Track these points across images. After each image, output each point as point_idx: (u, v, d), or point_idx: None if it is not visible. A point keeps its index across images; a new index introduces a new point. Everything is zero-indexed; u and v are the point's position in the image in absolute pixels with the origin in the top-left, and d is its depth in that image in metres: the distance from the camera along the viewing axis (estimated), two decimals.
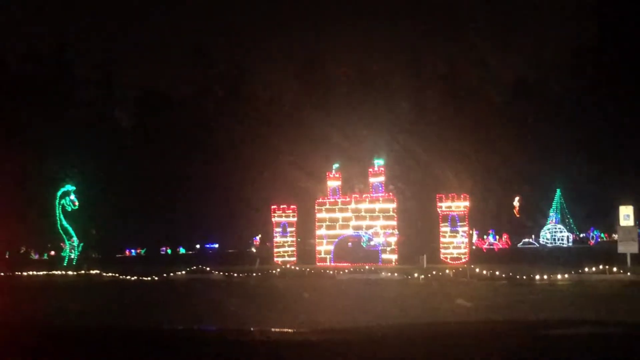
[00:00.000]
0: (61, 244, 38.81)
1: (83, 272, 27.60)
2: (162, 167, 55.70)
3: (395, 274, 23.83)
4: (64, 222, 38.17)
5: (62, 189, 38.19)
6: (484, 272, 22.58)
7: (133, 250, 72.62)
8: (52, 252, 46.38)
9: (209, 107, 60.91)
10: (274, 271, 25.69)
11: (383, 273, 24.34)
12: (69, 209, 37.86)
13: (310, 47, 57.62)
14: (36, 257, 59.47)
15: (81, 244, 60.60)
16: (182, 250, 70.69)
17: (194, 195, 54.27)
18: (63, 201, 38.00)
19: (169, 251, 68.86)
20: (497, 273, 22.33)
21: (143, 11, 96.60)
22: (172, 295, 20.11)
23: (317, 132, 47.58)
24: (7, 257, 54.79)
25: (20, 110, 51.28)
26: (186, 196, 54.95)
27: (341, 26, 59.17)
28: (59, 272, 27.84)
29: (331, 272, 24.93)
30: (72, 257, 35.54)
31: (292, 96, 59.53)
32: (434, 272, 23.21)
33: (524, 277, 21.70)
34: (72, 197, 37.77)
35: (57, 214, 38.47)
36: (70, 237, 38.07)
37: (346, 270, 24.97)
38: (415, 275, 23.15)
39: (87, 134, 54.29)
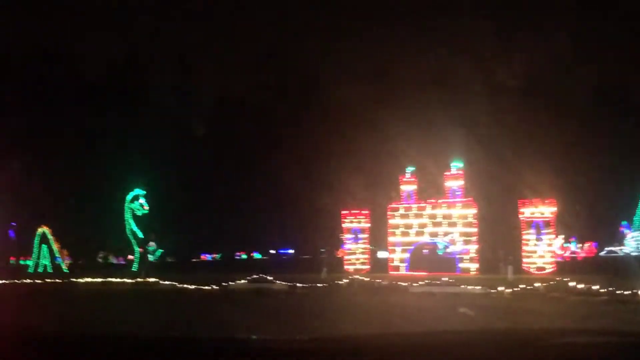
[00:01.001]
0: (138, 249, 37.26)
1: (141, 279, 25.17)
2: (237, 172, 54.01)
3: (477, 287, 20.37)
4: (134, 226, 36.43)
5: (132, 193, 36.41)
6: (579, 285, 18.96)
7: (209, 255, 71.16)
8: (130, 257, 44.32)
9: (282, 112, 58.58)
10: (341, 282, 22.63)
11: (462, 285, 20.87)
12: (139, 213, 36.05)
13: (384, 50, 54.15)
14: (115, 261, 58.49)
15: (159, 251, 59.64)
16: (257, 256, 68.78)
17: (270, 200, 52.03)
18: (132, 205, 36.23)
19: (243, 256, 67.11)
20: (594, 287, 18.63)
21: (218, 17, 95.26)
22: (221, 306, 17.41)
23: (391, 135, 44.46)
24: (79, 262, 53.96)
25: (97, 116, 49.93)
26: (262, 201, 52.80)
27: (415, 27, 55.84)
28: (116, 280, 25.41)
29: (404, 283, 21.68)
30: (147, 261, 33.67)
31: (364, 99, 56.65)
32: (522, 285, 19.67)
33: (626, 292, 17.94)
34: (142, 200, 35.94)
35: (127, 218, 36.82)
36: (140, 241, 36.29)
37: (421, 282, 21.65)
38: (500, 288, 19.65)
39: (161, 139, 52.83)
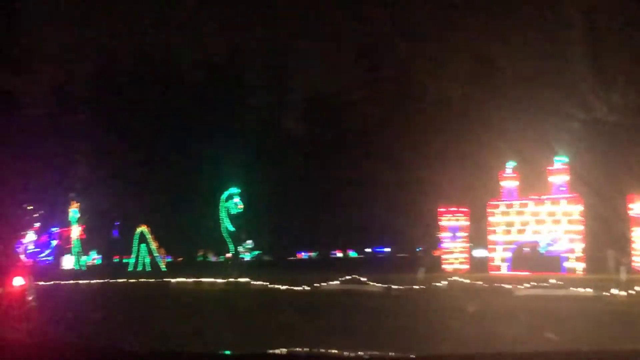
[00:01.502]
0: (233, 248, 36.84)
1: (232, 279, 24.29)
2: (332, 170, 53.02)
3: (588, 289, 18.34)
4: (229, 225, 35.91)
5: (227, 192, 35.94)
6: None
7: (305, 254, 70.44)
8: (228, 255, 43.86)
9: (376, 109, 57.04)
10: (439, 283, 21.00)
11: (572, 288, 18.86)
12: (234, 212, 35.52)
13: (480, 44, 51.88)
14: (213, 259, 58.56)
15: (255, 252, 59.53)
16: (352, 254, 67.54)
17: (365, 197, 50.72)
18: (227, 204, 35.75)
19: (340, 254, 65.99)
20: None
21: (310, 15, 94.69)
22: (308, 310, 16.15)
23: (489, 129, 42.33)
24: (179, 260, 54.16)
25: (193, 116, 49.86)
26: (357, 199, 51.55)
27: (512, 21, 53.30)
28: (207, 279, 24.60)
29: (508, 286, 19.85)
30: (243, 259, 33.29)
31: (461, 94, 54.53)
32: (637, 288, 17.55)
33: None
34: (237, 199, 35.40)
35: (222, 217, 36.35)
36: (235, 240, 35.72)
37: (526, 285, 19.75)
38: (614, 291, 17.60)
39: (256, 137, 52.45)
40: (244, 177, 41.78)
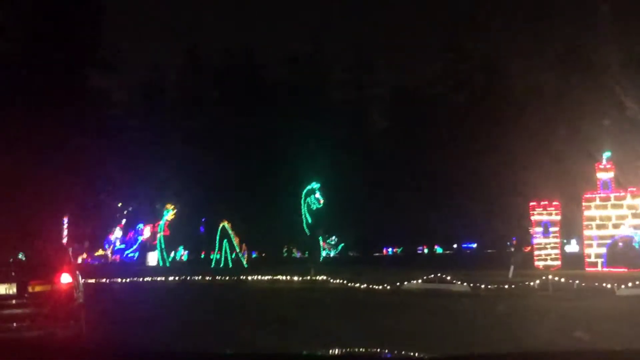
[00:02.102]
0: (319, 243, 35.89)
1: (309, 277, 22.91)
2: (418, 163, 51.52)
3: None
4: (310, 221, 34.88)
5: (308, 187, 34.87)
6: None
7: (390, 249, 68.82)
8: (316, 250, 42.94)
9: (464, 100, 54.73)
10: (532, 283, 18.94)
11: None
12: (314, 207, 34.46)
13: (573, 31, 48.76)
14: (298, 255, 57.70)
15: (341, 245, 58.34)
16: (438, 250, 65.48)
17: (453, 191, 48.65)
18: (308, 199, 34.70)
19: (425, 250, 64.08)
20: None
21: (392, 8, 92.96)
22: (384, 312, 14.51)
23: (583, 118, 39.57)
24: (263, 256, 53.40)
25: (277, 113, 48.96)
26: (442, 193, 49.55)
27: (608, 5, 49.97)
28: (284, 277, 23.29)
29: (607, 285, 17.67)
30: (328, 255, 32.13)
31: (552, 84, 51.52)
32: None
33: None
34: (317, 194, 34.31)
35: (303, 212, 35.36)
36: (317, 235, 34.68)
37: (630, 284, 17.51)
38: None
39: (339, 132, 51.17)
40: (328, 172, 40.80)
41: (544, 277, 19.16)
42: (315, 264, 24.73)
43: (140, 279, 25.66)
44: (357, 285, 20.81)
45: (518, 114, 46.82)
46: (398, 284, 20.24)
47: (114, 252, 49.18)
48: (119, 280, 25.75)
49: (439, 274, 20.13)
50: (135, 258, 46.61)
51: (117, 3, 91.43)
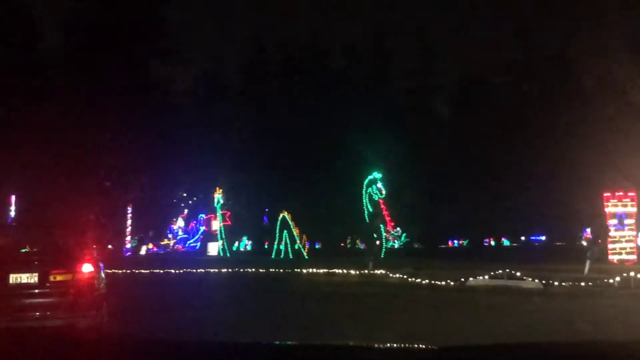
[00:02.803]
0: (380, 235, 34.29)
1: (367, 271, 21.26)
2: (484, 154, 49.19)
3: None
4: (372, 211, 33.47)
5: (370, 177, 33.36)
6: None
7: (456, 241, 66.46)
8: (378, 242, 41.30)
9: (532, 90, 52.02)
10: (611, 280, 16.84)
11: None
12: (376, 198, 32.98)
13: None
14: (362, 246, 56.26)
15: (403, 235, 56.50)
16: (505, 242, 62.85)
17: (518, 182, 46.40)
18: (370, 189, 33.22)
19: (492, 242, 61.61)
20: None
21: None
22: (447, 312, 12.69)
23: None
24: (325, 246, 51.93)
25: (338, 102, 47.40)
26: (509, 183, 47.33)
27: None
28: (340, 271, 21.66)
29: None
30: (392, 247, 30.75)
31: (623, 71, 48.33)
32: None
33: None
34: (379, 185, 32.81)
35: (365, 203, 33.94)
36: (376, 226, 33.14)
37: None
38: None
39: (402, 122, 49.30)
40: (391, 162, 39.32)
41: (624, 274, 17.01)
42: (374, 256, 23.05)
43: (194, 270, 24.46)
44: (418, 280, 19.07)
45: (591, 102, 44.06)
46: (463, 279, 18.44)
47: (176, 242, 48.60)
48: (173, 271, 24.61)
49: (507, 270, 18.17)
50: (197, 248, 45.95)
51: None
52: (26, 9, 40.37)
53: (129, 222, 42.87)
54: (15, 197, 37.40)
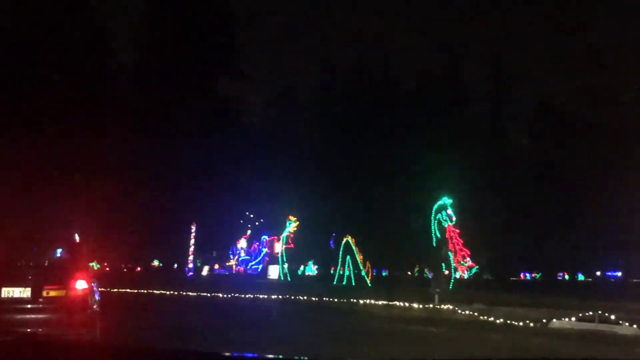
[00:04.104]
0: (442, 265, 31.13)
1: (432, 305, 18.09)
2: (558, 182, 46.30)
3: None
4: (440, 238, 30.29)
5: (439, 203, 30.27)
6: None
7: (528, 274, 62.00)
8: (446, 272, 38.25)
9: (611, 117, 47.99)
10: None
11: None
12: (445, 225, 29.84)
13: None
14: (430, 275, 53.01)
15: (475, 267, 52.66)
16: (580, 277, 58.08)
17: (595, 213, 42.64)
18: (439, 215, 30.10)
19: (566, 277, 57.06)
20: None
21: (531, 20, 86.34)
22: None
23: None
24: (394, 274, 48.95)
25: (409, 126, 44.74)
26: (586, 215, 43.72)
27: None
28: (401, 304, 18.53)
29: None
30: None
31: None
32: None
33: None
34: (449, 211, 29.67)
35: (433, 230, 30.73)
36: (444, 255, 29.96)
37: None
38: None
39: (475, 146, 46.19)
40: (462, 189, 36.30)
41: None
42: (441, 288, 19.88)
43: (244, 295, 21.78)
44: (491, 319, 15.82)
45: None
46: (544, 320, 15.11)
47: (238, 263, 46.34)
48: (221, 295, 22.01)
49: (599, 312, 14.70)
50: (259, 270, 43.58)
51: (249, 13, 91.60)
52: (100, 24, 39.50)
53: (192, 240, 40.92)
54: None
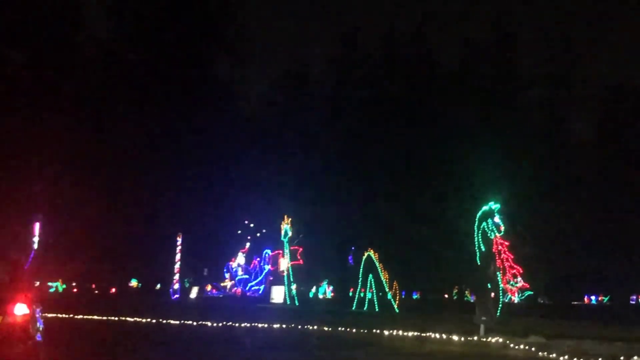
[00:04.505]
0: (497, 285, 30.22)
1: (476, 338, 17.15)
2: (633, 185, 46.15)
3: None
4: (486, 252, 29.35)
5: (484, 208, 29.28)
6: None
7: (594, 297, 61.16)
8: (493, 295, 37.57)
9: None
10: None
11: None
12: (492, 236, 28.84)
13: None
14: (472, 299, 52.24)
15: (528, 290, 51.78)
16: None
17: None
18: (484, 224, 29.10)
19: None
20: None
21: None
22: None
23: None
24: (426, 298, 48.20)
25: (445, 116, 44.25)
26: None
27: None
28: (436, 336, 17.57)
29: None
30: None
31: None
32: None
33: None
34: (497, 219, 28.67)
35: (476, 243, 29.75)
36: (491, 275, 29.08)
37: None
38: None
39: (530, 140, 45.99)
40: (512, 191, 35.86)
41: None
42: (487, 316, 18.93)
43: (237, 324, 20.89)
44: (554, 355, 14.82)
45: None
46: (622, 358, 14.12)
47: (235, 284, 45.61)
48: (209, 323, 21.14)
49: None
50: (260, 292, 42.93)
51: None
52: None
53: (178, 255, 40.19)
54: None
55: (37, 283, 37.56)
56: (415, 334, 17.97)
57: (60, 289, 45.75)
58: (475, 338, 17.21)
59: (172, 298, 40.32)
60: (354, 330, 19.40)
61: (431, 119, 44.58)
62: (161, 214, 40.40)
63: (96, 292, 47.37)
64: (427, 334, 17.72)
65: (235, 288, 45.21)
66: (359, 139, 45.99)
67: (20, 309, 9.12)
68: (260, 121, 49.43)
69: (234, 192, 43.25)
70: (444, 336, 17.40)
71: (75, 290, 46.41)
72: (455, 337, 17.29)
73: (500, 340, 16.79)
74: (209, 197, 41.97)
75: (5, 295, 9.22)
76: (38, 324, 9.78)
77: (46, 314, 24.75)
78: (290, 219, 37.89)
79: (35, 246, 40.61)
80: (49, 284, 43.76)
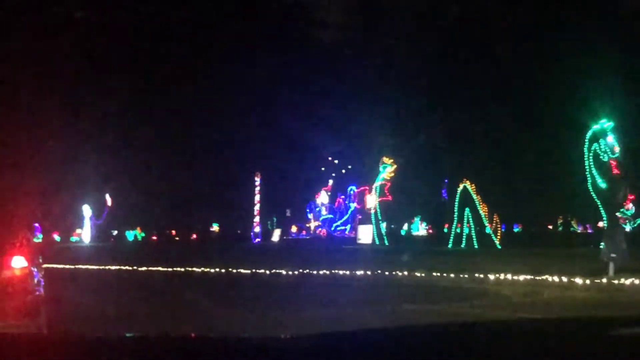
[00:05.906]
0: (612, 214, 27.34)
1: (605, 280, 14.11)
2: None
3: None
4: (599, 180, 26.00)
5: (593, 129, 25.83)
6: None
7: None
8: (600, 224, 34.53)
9: None
10: None
11: None
12: (605, 159, 25.32)
13: None
14: (579, 230, 49.26)
15: (638, 220, 48.01)
16: None
17: None
18: (595, 145, 25.62)
19: None
20: None
21: None
22: None
23: None
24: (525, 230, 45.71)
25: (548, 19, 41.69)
26: None
27: None
28: (551, 278, 14.61)
29: None
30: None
31: None
32: None
33: None
34: (611, 138, 25.16)
35: (587, 167, 26.45)
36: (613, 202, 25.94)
37: None
38: None
39: None
40: (630, 108, 32.12)
41: None
42: (617, 252, 15.88)
43: (314, 272, 18.47)
44: None
45: None
46: None
47: (321, 224, 43.97)
48: (283, 272, 18.75)
49: None
50: (346, 232, 41.12)
51: None
52: None
53: (257, 197, 38.55)
54: None
55: (40, 236, 37.33)
56: (528, 277, 15.02)
57: (139, 237, 45.12)
58: (605, 280, 14.19)
59: (254, 242, 38.99)
60: (452, 275, 16.52)
61: (531, 22, 42.70)
62: (237, 152, 39.23)
63: (177, 238, 46.59)
64: (543, 277, 14.75)
65: (320, 229, 43.66)
66: (449, 52, 44.70)
67: (18, 262, 9.18)
68: (339, 46, 48.32)
69: (315, 125, 42.57)
70: (565, 278, 14.38)
71: (154, 237, 45.68)
72: (578, 280, 14.24)
73: (637, 281, 13.74)
74: (286, 131, 40.94)
75: (3, 249, 9.28)
76: (39, 277, 9.74)
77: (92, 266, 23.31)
78: (392, 160, 36.18)
79: (109, 203, 40.34)
80: (127, 232, 43.22)
